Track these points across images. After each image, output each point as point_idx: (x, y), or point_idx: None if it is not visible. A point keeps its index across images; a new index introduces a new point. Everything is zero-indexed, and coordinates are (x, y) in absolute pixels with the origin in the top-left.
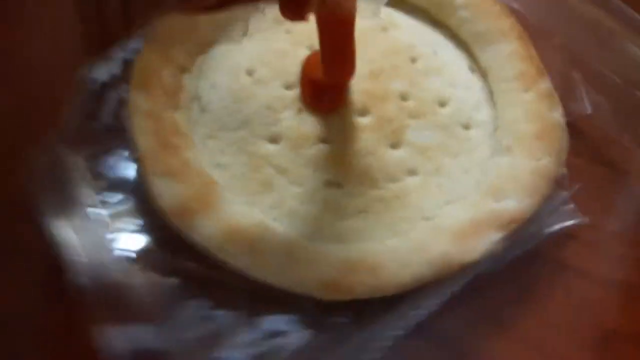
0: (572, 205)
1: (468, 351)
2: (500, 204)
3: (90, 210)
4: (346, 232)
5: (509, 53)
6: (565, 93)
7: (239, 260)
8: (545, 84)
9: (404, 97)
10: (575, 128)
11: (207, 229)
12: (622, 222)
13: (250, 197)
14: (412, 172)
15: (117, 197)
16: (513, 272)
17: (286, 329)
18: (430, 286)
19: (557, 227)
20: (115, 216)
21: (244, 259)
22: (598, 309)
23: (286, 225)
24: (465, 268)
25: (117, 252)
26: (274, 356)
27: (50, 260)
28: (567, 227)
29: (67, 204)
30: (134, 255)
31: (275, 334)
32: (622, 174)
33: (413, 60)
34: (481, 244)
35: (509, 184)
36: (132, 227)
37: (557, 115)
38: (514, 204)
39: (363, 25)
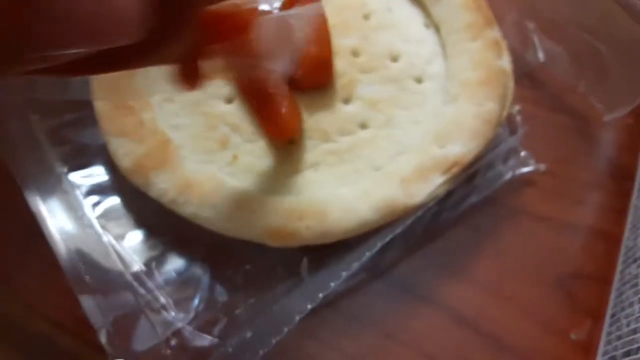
0: (526, 153)
1: (425, 294)
2: (444, 150)
3: (60, 174)
4: (299, 185)
5: (458, 5)
6: (520, 43)
7: (191, 212)
8: (493, 33)
9: (355, 53)
10: (533, 78)
11: (162, 185)
12: (581, 167)
13: (207, 155)
14: (363, 126)
15: (85, 160)
16: (471, 218)
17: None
18: (379, 230)
19: (512, 174)
20: (83, 179)
21: (195, 210)
22: (554, 252)
23: (241, 180)
24: (409, 211)
25: (87, 215)
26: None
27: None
28: (525, 174)
29: (38, 168)
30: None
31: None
32: (580, 120)
33: (366, 16)
34: (425, 188)
35: (452, 129)
36: (99, 188)
37: (503, 62)
38: (458, 148)
39: None
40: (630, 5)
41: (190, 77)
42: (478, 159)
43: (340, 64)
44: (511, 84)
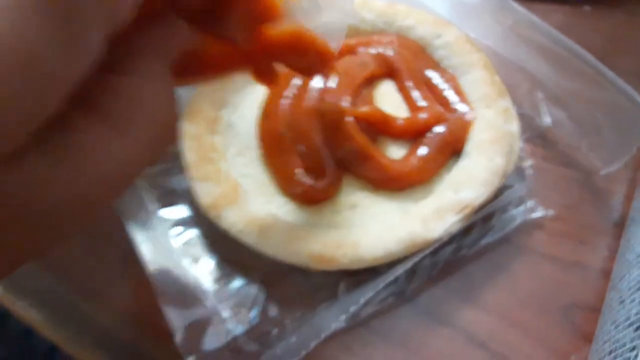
0: (535, 200)
1: (444, 318)
2: (458, 195)
3: (153, 211)
4: (338, 221)
5: (476, 79)
6: (532, 109)
7: (252, 241)
8: (504, 103)
9: None
10: (544, 138)
11: (231, 219)
12: (584, 213)
13: (267, 198)
14: None
15: (171, 200)
16: (487, 255)
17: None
18: (404, 260)
19: (523, 218)
20: (170, 215)
21: (256, 240)
22: (559, 286)
23: (292, 218)
24: (428, 244)
25: (171, 243)
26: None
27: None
28: (535, 218)
29: (136, 205)
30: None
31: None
32: (584, 173)
33: None
34: (441, 225)
35: (466, 179)
36: (182, 221)
37: (511, 126)
38: (470, 194)
39: None
40: (614, 81)
41: (265, 77)
42: (487, 203)
43: None
44: (517, 143)
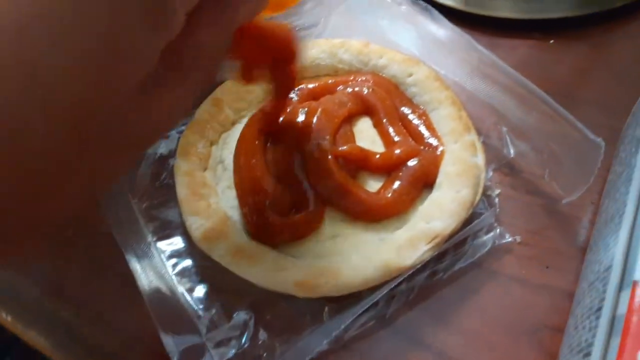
0: (501, 228)
1: (421, 339)
2: (429, 225)
3: (151, 242)
4: (320, 251)
5: (444, 115)
6: (498, 141)
7: (241, 270)
8: (470, 137)
9: None
10: (511, 167)
11: (220, 251)
12: (549, 239)
13: None
14: None
15: (168, 232)
16: (459, 279)
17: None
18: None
19: (493, 243)
20: (166, 246)
21: (244, 269)
22: (527, 308)
23: (279, 249)
24: (402, 271)
25: (168, 273)
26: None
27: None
28: (504, 244)
29: (135, 237)
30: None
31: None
32: (549, 200)
33: None
34: (414, 253)
35: (436, 210)
36: (177, 253)
37: (477, 159)
38: (439, 224)
39: None
40: (567, 117)
41: (246, 77)
42: (457, 231)
43: None
44: (483, 175)
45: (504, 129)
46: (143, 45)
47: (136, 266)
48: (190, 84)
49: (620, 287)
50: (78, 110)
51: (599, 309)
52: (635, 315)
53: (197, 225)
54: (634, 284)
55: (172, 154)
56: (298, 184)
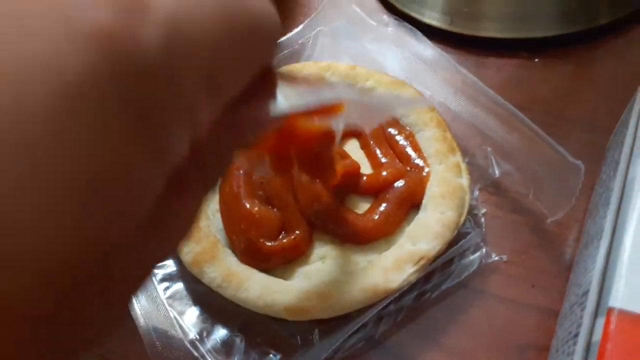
0: (487, 247)
1: (407, 359)
2: (415, 246)
3: None
4: (309, 273)
5: (430, 137)
6: (483, 161)
7: (231, 294)
8: (455, 158)
9: None
10: (497, 187)
11: (211, 274)
12: (535, 258)
13: None
14: None
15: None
16: (447, 299)
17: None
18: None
19: (479, 263)
20: (157, 270)
21: (234, 293)
22: (513, 326)
23: (269, 271)
24: (389, 293)
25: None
26: None
27: None
28: (490, 263)
29: None
30: (169, 296)
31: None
32: (535, 219)
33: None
34: (400, 275)
35: (421, 231)
36: (169, 276)
37: (462, 180)
38: (424, 245)
39: None
40: (546, 140)
41: (281, 168)
42: (444, 252)
43: None
44: (467, 195)
45: (489, 149)
46: (145, 179)
47: None
48: (211, 181)
49: (595, 314)
50: (56, 269)
51: (576, 334)
52: (609, 343)
53: (187, 249)
54: (609, 311)
55: None
56: (287, 207)
